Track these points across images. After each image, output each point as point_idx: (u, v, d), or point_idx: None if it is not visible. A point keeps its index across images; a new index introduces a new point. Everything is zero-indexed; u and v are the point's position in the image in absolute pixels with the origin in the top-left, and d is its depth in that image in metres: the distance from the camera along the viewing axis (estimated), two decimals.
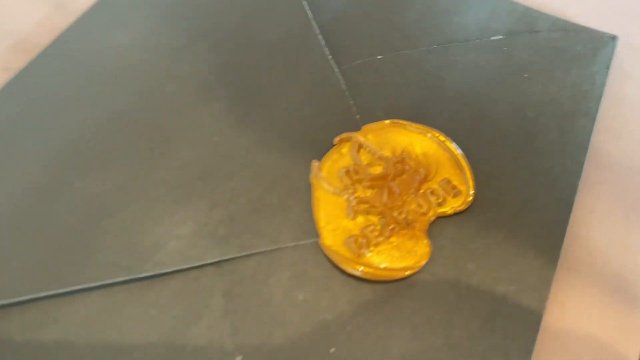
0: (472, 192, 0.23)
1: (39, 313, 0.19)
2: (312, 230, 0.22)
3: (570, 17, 0.30)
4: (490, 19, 0.29)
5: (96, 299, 0.20)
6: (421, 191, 0.23)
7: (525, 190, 0.23)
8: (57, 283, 0.20)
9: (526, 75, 0.27)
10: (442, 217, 0.22)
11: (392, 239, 0.21)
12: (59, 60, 0.26)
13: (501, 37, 0.28)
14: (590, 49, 0.28)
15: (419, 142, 0.24)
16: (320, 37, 0.27)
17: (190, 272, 0.21)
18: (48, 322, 0.19)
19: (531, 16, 0.29)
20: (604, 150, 0.26)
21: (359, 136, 0.24)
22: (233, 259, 0.21)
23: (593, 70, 0.27)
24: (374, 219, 0.22)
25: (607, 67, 0.28)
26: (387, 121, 0.25)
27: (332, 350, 0.19)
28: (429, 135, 0.24)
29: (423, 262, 0.21)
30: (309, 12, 0.28)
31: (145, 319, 0.20)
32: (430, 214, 0.22)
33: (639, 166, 0.25)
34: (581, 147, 0.25)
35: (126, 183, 0.22)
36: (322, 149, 0.24)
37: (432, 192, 0.23)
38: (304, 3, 0.28)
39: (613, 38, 0.29)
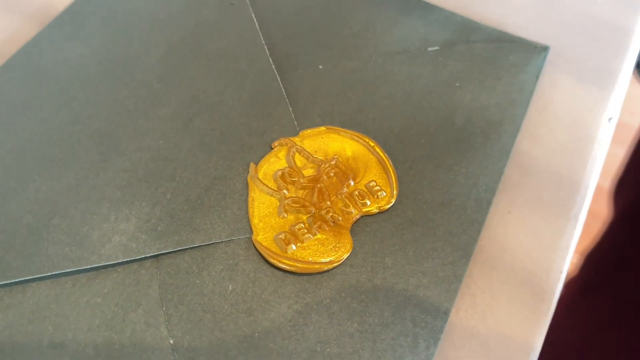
0: (395, 192, 0.25)
1: None
2: (246, 227, 0.24)
3: (507, 28, 0.32)
4: (428, 30, 0.31)
5: (46, 288, 0.22)
6: (349, 192, 0.25)
7: (445, 192, 0.25)
8: (10, 273, 0.22)
9: (457, 84, 0.29)
10: (366, 216, 0.25)
11: (318, 236, 0.24)
12: (21, 70, 0.28)
13: (437, 48, 0.30)
14: (522, 59, 0.30)
15: (350, 146, 0.26)
16: (265, 47, 0.29)
17: (132, 264, 0.23)
18: (1, 308, 0.22)
19: (469, 27, 0.31)
20: (527, 155, 0.28)
21: (295, 141, 0.26)
22: (170, 252, 0.23)
23: (522, 79, 0.29)
24: (303, 217, 0.24)
25: (537, 76, 0.30)
26: (323, 127, 0.27)
27: (256, 334, 0.21)
28: (360, 140, 0.26)
29: (345, 256, 0.23)
30: (256, 24, 0.30)
31: (90, 307, 0.22)
32: (355, 212, 0.24)
33: (558, 170, 0.27)
34: (504, 151, 0.27)
35: (77, 184, 0.24)
36: (260, 153, 0.26)
37: (359, 193, 0.25)
38: (252, 15, 0.30)
39: (545, 49, 0.31)
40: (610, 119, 0.29)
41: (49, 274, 0.22)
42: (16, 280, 0.22)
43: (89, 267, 0.22)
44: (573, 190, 0.27)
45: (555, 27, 0.33)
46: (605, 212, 0.50)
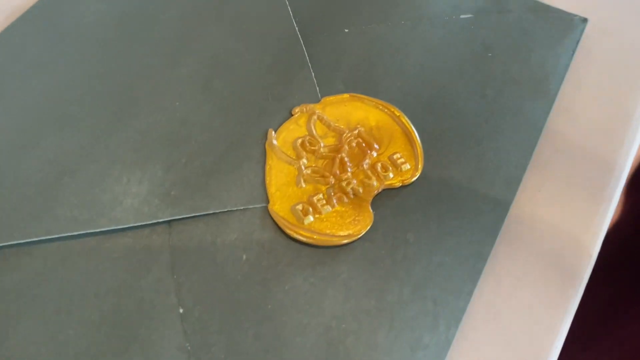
0: (420, 166, 0.24)
1: None
2: (262, 195, 0.23)
3: None
4: None
5: (54, 250, 0.21)
6: (371, 163, 0.24)
7: (473, 167, 0.24)
8: (18, 234, 0.21)
9: (490, 54, 0.27)
10: (389, 189, 0.23)
11: (337, 208, 0.22)
12: (38, 23, 0.27)
13: (470, 15, 0.28)
14: (558, 31, 0.28)
15: (375, 115, 0.25)
16: (289, 8, 0.28)
17: (144, 229, 0.22)
18: (8, 269, 0.21)
19: None
20: (560, 132, 0.26)
21: (316, 108, 0.25)
22: (184, 219, 0.22)
23: (558, 52, 0.28)
24: (322, 188, 0.23)
25: (574, 50, 0.28)
26: (347, 95, 0.25)
27: (269, 306, 0.20)
28: (385, 109, 0.25)
29: (364, 231, 0.22)
30: None
31: (98, 272, 0.21)
32: (377, 185, 0.23)
33: (592, 149, 0.26)
34: (536, 127, 0.25)
35: (90, 143, 0.23)
36: (279, 119, 0.25)
37: (382, 165, 0.24)
38: None
39: (583, 21, 0.29)
40: None
41: (57, 236, 0.21)
42: (23, 241, 0.21)
43: (98, 230, 0.22)
44: (607, 170, 0.25)
45: None
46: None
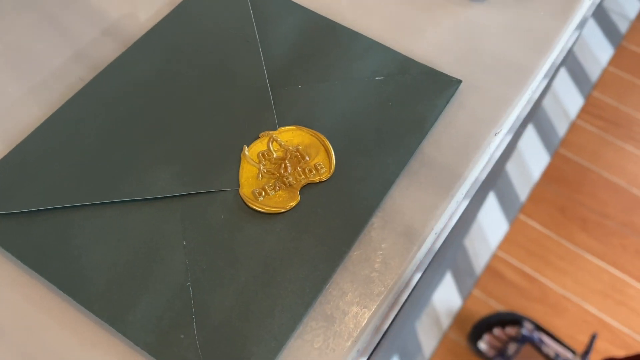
0: (332, 170, 0.40)
1: (70, 219, 0.38)
2: (236, 182, 0.39)
3: (435, 65, 0.46)
4: (379, 64, 0.45)
5: (117, 207, 0.38)
6: (302, 167, 0.40)
7: (364, 173, 0.40)
8: (89, 196, 0.38)
9: (390, 103, 0.43)
10: (312, 183, 0.40)
11: (279, 192, 0.39)
12: (118, 76, 0.44)
13: (382, 77, 0.45)
14: (439, 88, 0.44)
15: (308, 139, 0.41)
16: (265, 70, 0.44)
17: (164, 199, 0.39)
18: (94, 216, 0.38)
19: (408, 63, 0.46)
20: (427, 154, 0.42)
21: (274, 134, 0.41)
22: (191, 193, 0.39)
23: (436, 102, 0.44)
24: (271, 180, 0.40)
25: (448, 100, 0.44)
26: (294, 126, 0.42)
27: (235, 243, 0.37)
28: (315, 136, 0.41)
29: (293, 204, 0.38)
30: (261, 54, 0.45)
31: (141, 220, 0.38)
32: (304, 180, 0.39)
33: (447, 165, 0.42)
34: (409, 150, 0.41)
35: (144, 149, 0.41)
36: (251, 139, 0.41)
37: (309, 169, 0.40)
38: (260, 49, 0.46)
39: (459, 81, 0.45)
40: (496, 134, 0.43)
41: (118, 200, 0.38)
42: (104, 201, 0.38)
43: (143, 198, 0.39)
44: (454, 179, 0.41)
45: (471, 65, 0.47)
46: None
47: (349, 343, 0.34)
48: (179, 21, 0.47)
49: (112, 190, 0.39)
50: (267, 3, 0.48)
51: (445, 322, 1.34)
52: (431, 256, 0.41)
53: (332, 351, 0.33)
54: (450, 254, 1.12)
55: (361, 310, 0.35)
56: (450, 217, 0.42)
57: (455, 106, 0.44)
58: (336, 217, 0.38)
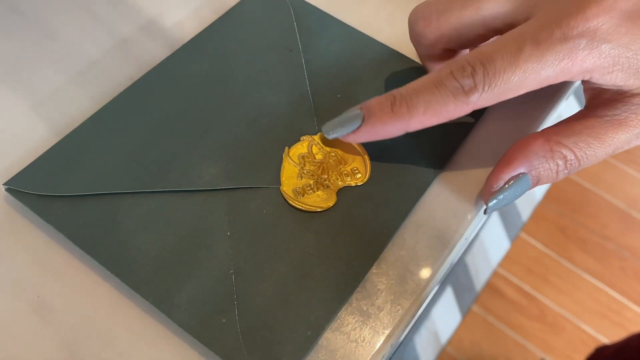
0: (367, 176, 0.43)
1: (119, 205, 0.41)
2: (278, 181, 0.42)
3: None
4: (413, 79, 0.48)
5: (162, 196, 0.41)
6: (339, 171, 0.43)
7: (400, 178, 0.43)
8: (138, 185, 0.41)
9: None
10: (349, 187, 0.42)
11: (318, 193, 0.42)
12: (166, 79, 0.47)
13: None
14: None
15: (346, 145, 0.44)
16: (307, 80, 0.47)
17: (211, 192, 0.41)
18: (140, 204, 0.41)
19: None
20: (460, 163, 0.45)
21: (314, 137, 0.44)
22: (235, 188, 0.41)
23: (472, 116, 0.46)
24: (310, 181, 0.42)
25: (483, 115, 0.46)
26: None
27: (276, 238, 0.39)
28: (354, 144, 0.44)
29: (331, 205, 0.41)
30: (304, 64, 0.48)
31: (188, 211, 0.40)
32: (341, 183, 0.42)
33: (480, 172, 0.44)
34: (443, 158, 0.44)
35: (189, 147, 0.43)
36: (293, 141, 0.44)
37: (347, 173, 0.43)
38: (302, 60, 0.48)
39: None
40: None
41: (166, 190, 0.41)
42: (150, 190, 0.41)
43: (189, 189, 0.41)
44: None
45: None
46: None
47: (384, 338, 0.36)
48: (224, 29, 0.50)
49: (160, 180, 0.41)
50: (310, 16, 0.51)
51: (444, 336, 1.36)
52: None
53: (367, 344, 0.36)
54: (451, 269, 1.15)
55: (395, 307, 0.37)
56: (477, 225, 0.44)
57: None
58: (371, 219, 0.41)
